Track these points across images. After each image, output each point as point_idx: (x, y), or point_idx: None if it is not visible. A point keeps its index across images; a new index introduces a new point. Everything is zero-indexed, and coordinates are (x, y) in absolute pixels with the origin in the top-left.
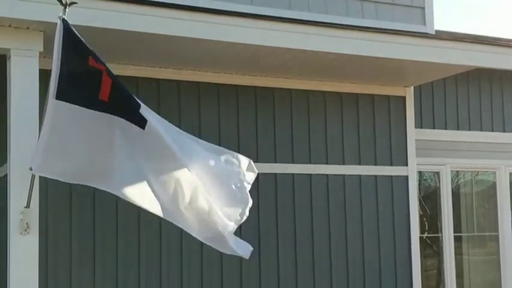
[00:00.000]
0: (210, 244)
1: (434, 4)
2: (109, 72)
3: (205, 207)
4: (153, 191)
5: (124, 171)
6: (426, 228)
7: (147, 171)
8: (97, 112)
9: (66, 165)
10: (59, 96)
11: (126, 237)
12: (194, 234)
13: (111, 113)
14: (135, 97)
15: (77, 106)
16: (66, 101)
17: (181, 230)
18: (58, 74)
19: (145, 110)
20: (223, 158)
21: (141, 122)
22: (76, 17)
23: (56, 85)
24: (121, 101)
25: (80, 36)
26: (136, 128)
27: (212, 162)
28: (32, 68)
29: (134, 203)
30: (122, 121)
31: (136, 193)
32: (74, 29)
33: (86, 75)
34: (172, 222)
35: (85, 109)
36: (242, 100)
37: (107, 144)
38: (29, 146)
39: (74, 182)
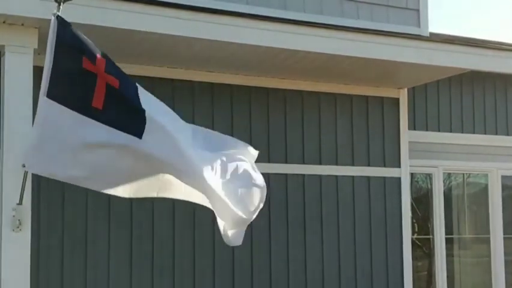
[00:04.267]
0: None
1: (429, 6)
2: (111, 70)
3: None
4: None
5: (116, 171)
6: (418, 229)
7: (142, 169)
8: (89, 120)
9: (57, 163)
10: (50, 95)
11: (119, 234)
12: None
13: (105, 123)
14: (139, 95)
15: (68, 109)
16: (57, 102)
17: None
18: (50, 72)
19: (152, 110)
20: (232, 152)
21: (138, 131)
22: (71, 14)
23: (48, 82)
24: (117, 108)
25: (78, 35)
26: (131, 137)
27: (220, 161)
28: (27, 64)
29: (128, 196)
30: (115, 131)
31: (129, 188)
32: (71, 27)
33: (79, 77)
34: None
35: (76, 114)
36: (236, 100)
37: (98, 147)
38: (22, 143)
39: (66, 181)
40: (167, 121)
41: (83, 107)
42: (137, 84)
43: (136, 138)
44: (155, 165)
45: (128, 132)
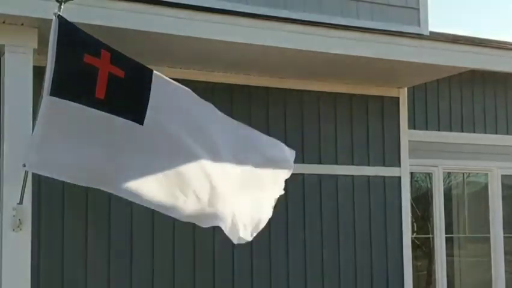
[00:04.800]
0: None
1: (429, 5)
2: (117, 62)
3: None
4: (151, 187)
5: (119, 171)
6: (418, 229)
7: (146, 168)
8: (93, 110)
9: (59, 163)
10: (54, 92)
11: (119, 234)
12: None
13: (107, 112)
14: (152, 86)
15: (72, 103)
16: (61, 98)
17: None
18: (53, 70)
19: (163, 100)
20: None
21: (139, 118)
22: (71, 13)
23: (51, 82)
24: (119, 97)
25: (80, 33)
26: (133, 125)
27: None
28: (26, 64)
29: (130, 199)
30: (119, 119)
31: (133, 190)
32: (73, 26)
33: (82, 73)
34: (171, 216)
35: (81, 106)
36: (236, 99)
37: (102, 143)
38: (22, 142)
39: (67, 181)
40: (180, 113)
41: (87, 99)
42: (154, 74)
43: (137, 125)
44: (155, 159)
45: (129, 119)
